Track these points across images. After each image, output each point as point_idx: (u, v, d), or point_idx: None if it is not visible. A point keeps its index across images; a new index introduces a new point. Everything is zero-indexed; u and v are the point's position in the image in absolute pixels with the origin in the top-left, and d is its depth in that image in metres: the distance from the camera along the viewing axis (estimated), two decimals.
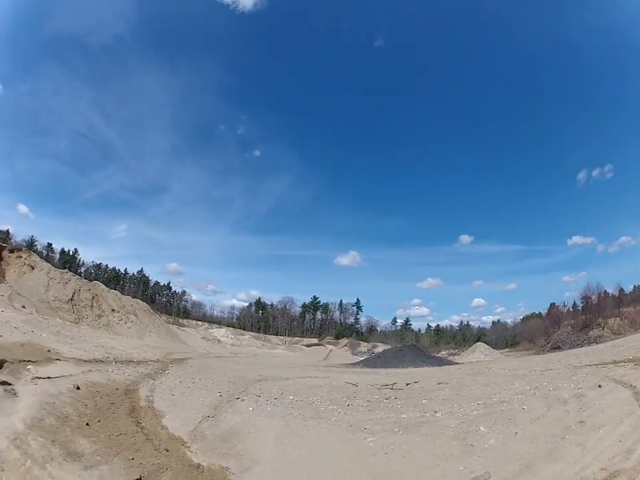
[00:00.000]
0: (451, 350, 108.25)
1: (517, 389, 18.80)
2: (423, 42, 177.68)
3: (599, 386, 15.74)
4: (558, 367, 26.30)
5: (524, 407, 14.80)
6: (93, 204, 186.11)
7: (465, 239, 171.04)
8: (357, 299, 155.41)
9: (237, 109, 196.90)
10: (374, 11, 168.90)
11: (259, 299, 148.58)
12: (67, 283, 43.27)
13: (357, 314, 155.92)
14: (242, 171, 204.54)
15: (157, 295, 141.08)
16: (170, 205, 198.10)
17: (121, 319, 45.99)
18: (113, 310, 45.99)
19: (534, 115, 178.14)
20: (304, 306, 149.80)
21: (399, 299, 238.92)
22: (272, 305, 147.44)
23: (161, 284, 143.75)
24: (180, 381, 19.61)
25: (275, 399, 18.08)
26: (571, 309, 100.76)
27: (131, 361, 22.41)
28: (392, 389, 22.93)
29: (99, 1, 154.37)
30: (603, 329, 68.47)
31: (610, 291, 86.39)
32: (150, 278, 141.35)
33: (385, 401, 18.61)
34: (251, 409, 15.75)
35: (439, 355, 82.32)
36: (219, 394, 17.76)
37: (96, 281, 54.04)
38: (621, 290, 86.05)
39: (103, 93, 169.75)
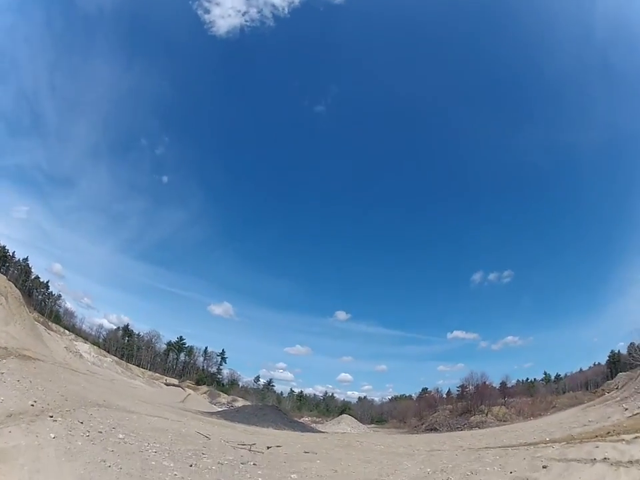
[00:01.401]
0: (314, 418, 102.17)
1: (414, 472, 15.50)
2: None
3: (544, 467, 13.41)
4: (446, 447, 24.20)
5: None
6: (7, 172, 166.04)
7: (341, 315, 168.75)
8: (223, 350, 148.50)
9: (164, 128, 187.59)
10: (321, 75, 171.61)
11: (127, 325, 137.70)
12: None
13: (221, 364, 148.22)
14: (147, 192, 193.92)
15: (35, 291, 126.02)
16: (73, 202, 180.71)
17: None
18: None
19: (443, 213, 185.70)
20: (169, 344, 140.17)
21: (264, 358, 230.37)
22: (139, 334, 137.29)
23: (42, 280, 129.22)
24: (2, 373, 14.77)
25: (99, 432, 13.34)
26: (445, 396, 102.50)
27: None
28: (250, 450, 18.74)
29: None
30: (487, 415, 69.19)
31: (493, 382, 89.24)
32: (33, 270, 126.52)
33: (240, 466, 14.45)
34: (52, 435, 11.00)
35: (302, 420, 77.49)
36: (32, 403, 12.94)
37: None
38: (504, 382, 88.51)
39: (61, 60, 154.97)
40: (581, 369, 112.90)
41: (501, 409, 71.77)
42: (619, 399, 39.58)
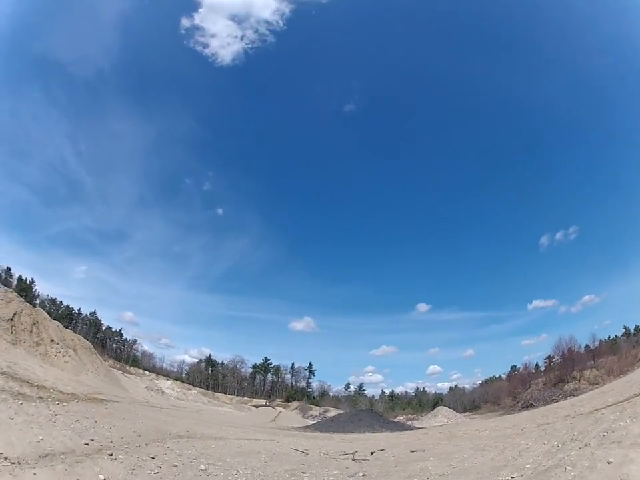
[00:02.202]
0: (409, 415, 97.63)
1: (541, 449, 12.15)
2: (391, 109, 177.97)
3: None
4: (551, 420, 20.85)
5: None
6: (57, 240, 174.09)
7: (422, 307, 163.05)
8: (310, 363, 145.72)
9: (205, 164, 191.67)
10: (346, 75, 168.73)
11: (209, 355, 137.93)
12: (9, 302, 37.70)
13: (309, 378, 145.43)
14: (204, 227, 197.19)
15: (108, 340, 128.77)
16: (131, 253, 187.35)
17: (59, 352, 39.88)
18: (52, 340, 40.00)
19: (496, 181, 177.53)
20: (255, 367, 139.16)
21: (352, 365, 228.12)
22: (222, 363, 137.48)
23: (113, 329, 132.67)
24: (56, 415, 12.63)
25: (174, 466, 10.83)
26: (533, 370, 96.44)
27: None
28: (354, 459, 15.89)
29: (88, 30, 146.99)
30: (579, 381, 64.03)
31: (580, 346, 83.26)
32: (102, 322, 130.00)
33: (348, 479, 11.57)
34: (102, 477, 8.53)
35: (397, 419, 73.82)
36: (87, 442, 10.72)
37: (39, 308, 47.39)
38: (589, 345, 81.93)
39: (78, 127, 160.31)
40: None
41: (592, 372, 66.05)
42: None
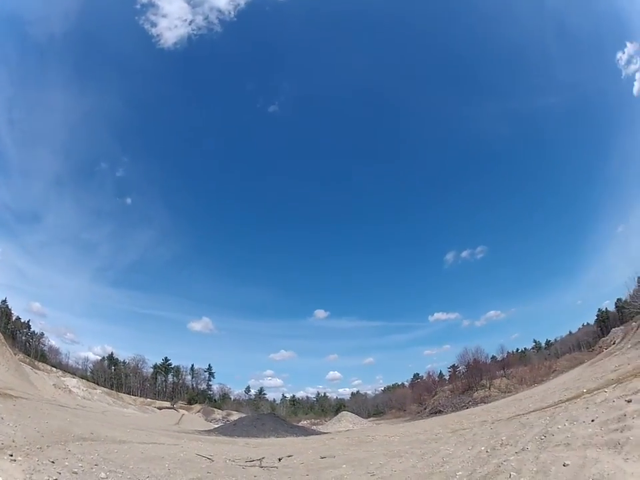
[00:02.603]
0: (312, 420, 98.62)
1: (467, 454, 12.73)
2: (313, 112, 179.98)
3: (628, 401, 11.95)
4: (467, 425, 22.17)
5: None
6: None
7: (320, 313, 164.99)
8: (209, 365, 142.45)
9: (123, 149, 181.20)
10: (277, 76, 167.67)
11: (112, 354, 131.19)
12: None
13: (209, 380, 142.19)
14: (112, 215, 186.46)
15: (18, 332, 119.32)
16: (43, 237, 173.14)
17: None
18: None
19: (408, 198, 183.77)
20: (155, 367, 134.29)
21: (251, 368, 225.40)
22: (124, 362, 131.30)
23: (22, 321, 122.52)
24: None
25: (74, 472, 10.22)
26: (437, 379, 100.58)
27: None
28: (261, 466, 15.89)
29: None
30: (489, 389, 67.41)
31: (487, 356, 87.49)
32: (13, 312, 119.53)
33: None
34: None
35: (300, 424, 74.04)
36: None
37: None
38: (499, 355, 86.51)
39: (19, 93, 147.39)
40: (570, 332, 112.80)
41: (503, 380, 70.60)
42: (620, 352, 38.28)
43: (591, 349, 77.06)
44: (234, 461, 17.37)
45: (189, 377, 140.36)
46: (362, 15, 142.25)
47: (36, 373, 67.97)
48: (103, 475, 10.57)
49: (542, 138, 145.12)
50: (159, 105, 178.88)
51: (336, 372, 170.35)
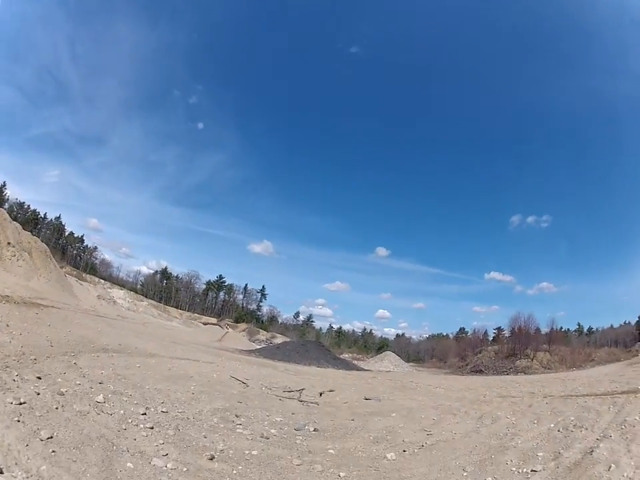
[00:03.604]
0: (355, 354, 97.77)
1: (534, 429, 9.81)
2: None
3: None
4: (514, 394, 19.26)
5: None
6: (37, 142, 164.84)
7: (382, 251, 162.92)
8: (263, 286, 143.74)
9: (197, 78, 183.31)
10: (354, 16, 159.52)
11: (165, 268, 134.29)
12: None
13: (261, 301, 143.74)
14: (182, 139, 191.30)
15: (70, 247, 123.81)
16: (105, 158, 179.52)
17: (14, 255, 38.80)
18: (9, 243, 39.08)
19: (483, 155, 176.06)
20: (208, 283, 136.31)
21: (304, 295, 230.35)
22: (177, 276, 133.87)
23: (76, 235, 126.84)
24: None
25: (60, 393, 7.71)
26: (481, 338, 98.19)
27: None
28: (301, 401, 13.48)
29: None
30: (532, 360, 64.54)
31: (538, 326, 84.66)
32: (66, 227, 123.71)
33: (296, 439, 8.90)
34: None
35: (342, 357, 73.62)
36: None
37: (1, 209, 45.37)
38: (550, 327, 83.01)
39: (80, 30, 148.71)
40: (612, 326, 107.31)
41: (545, 355, 66.56)
42: None
43: (628, 350, 72.76)
44: (270, 389, 15.15)
45: (241, 296, 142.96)
46: None
47: (81, 285, 69.07)
48: (100, 398, 8.13)
49: (618, 119, 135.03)
50: (233, 35, 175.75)
51: (385, 311, 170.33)
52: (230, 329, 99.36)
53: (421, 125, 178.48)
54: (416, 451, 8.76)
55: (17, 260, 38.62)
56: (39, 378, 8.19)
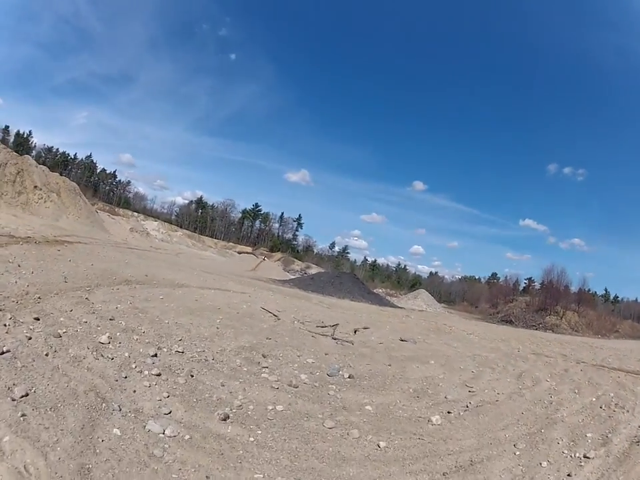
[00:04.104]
0: (388, 290, 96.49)
1: (578, 400, 9.20)
2: None
3: None
4: (547, 352, 17.91)
5: None
6: (61, 90, 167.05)
7: (419, 185, 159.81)
8: (299, 215, 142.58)
9: (225, 11, 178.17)
10: None
11: (201, 197, 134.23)
12: None
13: (296, 230, 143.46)
14: (214, 71, 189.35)
15: (102, 183, 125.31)
16: (135, 95, 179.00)
17: (42, 197, 39.04)
18: (36, 187, 39.00)
19: (529, 100, 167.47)
20: (244, 212, 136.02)
21: (340, 226, 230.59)
22: (213, 206, 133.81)
23: (107, 172, 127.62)
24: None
25: (58, 335, 6.63)
26: (512, 286, 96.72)
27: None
28: (334, 338, 12.44)
29: None
30: (561, 319, 63.82)
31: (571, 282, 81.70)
32: (97, 165, 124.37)
33: (329, 390, 7.79)
34: None
35: (375, 291, 73.48)
36: None
37: (27, 155, 46.08)
38: (582, 286, 79.70)
39: None
40: (637, 299, 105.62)
41: (574, 316, 65.82)
42: None
43: None
44: (303, 323, 14.18)
45: (277, 225, 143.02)
46: None
47: (113, 219, 69.40)
48: (104, 338, 7.07)
49: None
50: None
51: (420, 247, 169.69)
52: (265, 258, 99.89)
53: (468, 63, 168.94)
54: (461, 413, 7.60)
55: (45, 202, 38.93)
56: (37, 319, 7.14)
